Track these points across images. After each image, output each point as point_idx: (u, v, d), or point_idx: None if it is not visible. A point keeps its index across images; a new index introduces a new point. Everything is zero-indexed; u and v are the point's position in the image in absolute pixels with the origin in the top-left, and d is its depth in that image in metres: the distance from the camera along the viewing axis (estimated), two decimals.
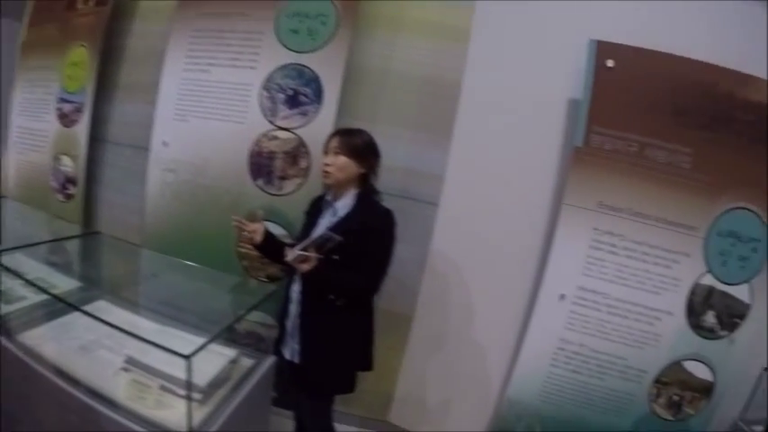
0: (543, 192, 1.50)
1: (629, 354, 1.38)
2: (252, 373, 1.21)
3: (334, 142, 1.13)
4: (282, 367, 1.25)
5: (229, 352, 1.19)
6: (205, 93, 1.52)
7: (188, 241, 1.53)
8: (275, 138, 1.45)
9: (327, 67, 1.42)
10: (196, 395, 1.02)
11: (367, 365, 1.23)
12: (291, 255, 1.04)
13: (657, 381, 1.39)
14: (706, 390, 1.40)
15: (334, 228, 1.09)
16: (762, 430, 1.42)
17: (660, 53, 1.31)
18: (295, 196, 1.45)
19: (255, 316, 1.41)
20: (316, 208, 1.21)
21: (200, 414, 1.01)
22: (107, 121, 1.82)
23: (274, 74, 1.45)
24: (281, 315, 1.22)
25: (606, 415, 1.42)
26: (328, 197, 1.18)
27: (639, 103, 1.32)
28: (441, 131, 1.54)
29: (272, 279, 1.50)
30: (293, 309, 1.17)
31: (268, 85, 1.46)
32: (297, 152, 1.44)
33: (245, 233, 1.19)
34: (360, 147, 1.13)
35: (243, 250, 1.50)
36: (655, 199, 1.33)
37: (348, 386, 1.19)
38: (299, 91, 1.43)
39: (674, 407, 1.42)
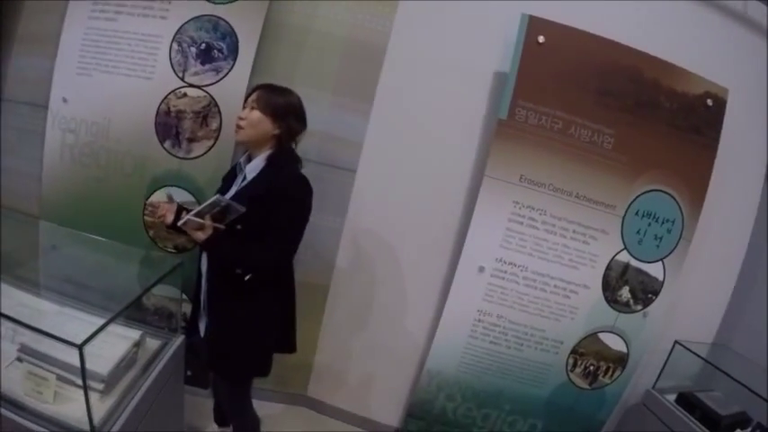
0: (465, 163, 1.49)
1: (546, 325, 1.41)
2: (160, 354, 1.11)
3: (254, 96, 1.04)
4: (198, 345, 1.16)
5: (133, 333, 1.08)
6: (111, 44, 1.36)
7: (90, 210, 1.40)
8: (184, 96, 1.33)
9: (245, 20, 1.31)
10: (97, 385, 0.92)
11: (287, 347, 1.17)
12: (182, 220, 0.95)
13: (574, 351, 1.44)
14: (621, 360, 1.48)
15: (240, 194, 1.00)
16: (674, 398, 1.51)
17: (591, 35, 1.31)
18: (204, 159, 1.35)
19: (165, 290, 1.31)
20: (232, 172, 1.12)
21: (103, 406, 0.91)
22: (2, 75, 1.59)
23: (187, 25, 1.32)
24: (195, 289, 1.14)
25: (524, 384, 1.46)
26: (241, 160, 1.10)
27: (567, 81, 1.32)
28: (362, 96, 1.47)
29: (180, 250, 1.41)
30: (203, 284, 1.09)
31: (180, 38, 1.33)
32: (207, 112, 1.33)
33: (157, 218, 1.11)
34: (279, 105, 1.03)
35: (149, 219, 1.39)
36: (576, 176, 1.35)
37: (260, 369, 1.11)
38: (212, 45, 1.32)
39: (591, 376, 1.49)
